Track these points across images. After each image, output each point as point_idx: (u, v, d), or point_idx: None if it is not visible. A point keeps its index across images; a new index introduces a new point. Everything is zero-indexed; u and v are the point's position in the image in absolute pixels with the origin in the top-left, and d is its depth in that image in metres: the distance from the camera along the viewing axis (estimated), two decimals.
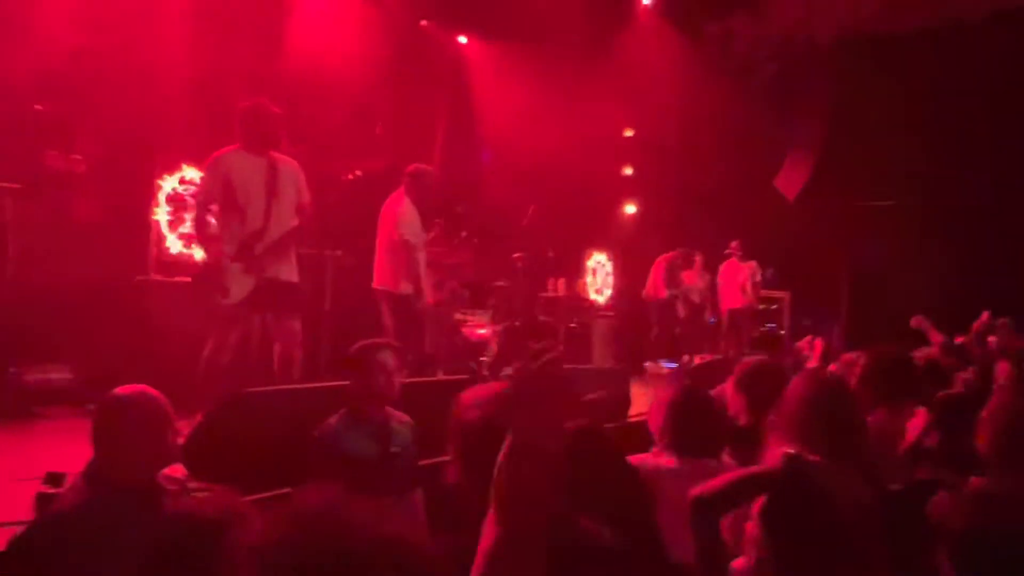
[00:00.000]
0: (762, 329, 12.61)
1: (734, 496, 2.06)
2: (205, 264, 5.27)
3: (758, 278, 11.80)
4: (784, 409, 2.57)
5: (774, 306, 12.73)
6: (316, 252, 7.08)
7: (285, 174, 5.18)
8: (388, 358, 3.68)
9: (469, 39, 11.97)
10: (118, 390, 2.51)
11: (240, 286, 4.98)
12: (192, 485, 2.88)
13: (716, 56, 11.51)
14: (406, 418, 3.78)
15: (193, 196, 6.41)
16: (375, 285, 6.54)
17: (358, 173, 7.85)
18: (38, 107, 6.70)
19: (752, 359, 3.97)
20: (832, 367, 4.38)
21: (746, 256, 11.74)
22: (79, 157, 6.82)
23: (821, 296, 12.79)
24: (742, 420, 3.43)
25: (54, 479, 3.18)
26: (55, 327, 5.95)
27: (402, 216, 6.39)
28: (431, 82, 11.23)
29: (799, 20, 11.36)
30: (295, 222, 5.21)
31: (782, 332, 12.70)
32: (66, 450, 3.17)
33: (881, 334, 5.88)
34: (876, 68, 11.27)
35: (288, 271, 5.22)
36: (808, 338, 10.24)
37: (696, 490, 2.08)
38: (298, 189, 5.25)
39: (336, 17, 9.59)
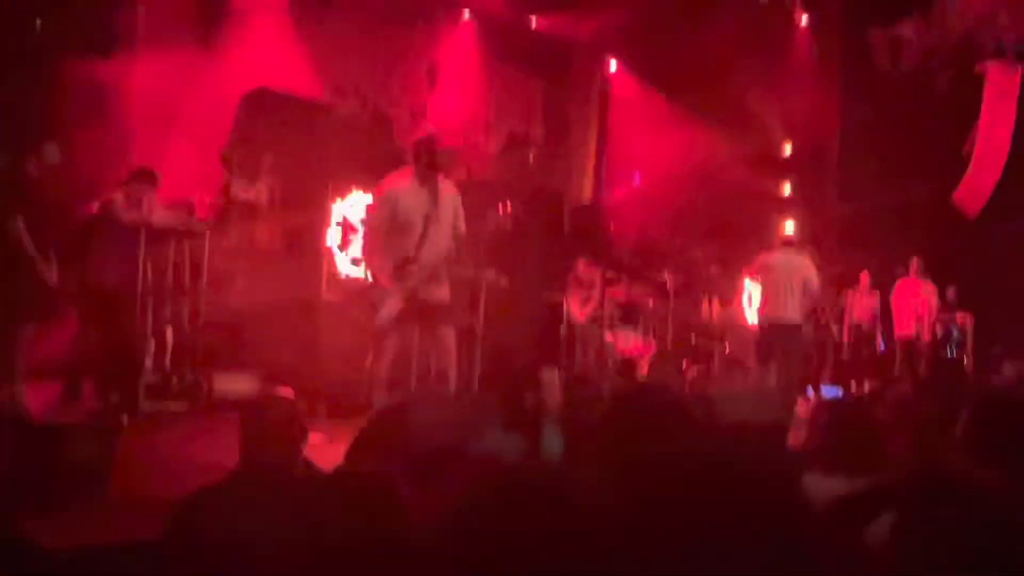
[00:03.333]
0: (941, 358, 12.54)
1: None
2: (369, 284, 6.43)
3: (935, 301, 11.84)
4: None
5: (954, 331, 12.64)
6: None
7: (445, 200, 6.04)
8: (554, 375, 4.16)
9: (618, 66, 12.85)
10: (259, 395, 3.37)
11: (391, 305, 5.95)
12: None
13: (884, 66, 11.78)
14: None
15: (363, 221, 7.66)
16: None
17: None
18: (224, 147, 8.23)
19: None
20: None
21: (925, 274, 11.77)
22: (263, 187, 8.32)
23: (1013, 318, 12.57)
24: None
25: None
26: (243, 340, 7.37)
27: None
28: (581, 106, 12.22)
29: (980, 19, 11.46)
30: (450, 246, 6.14)
31: (965, 360, 12.60)
32: None
33: None
34: None
35: (440, 291, 6.15)
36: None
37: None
38: (456, 215, 6.15)
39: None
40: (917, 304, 11.77)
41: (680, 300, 10.63)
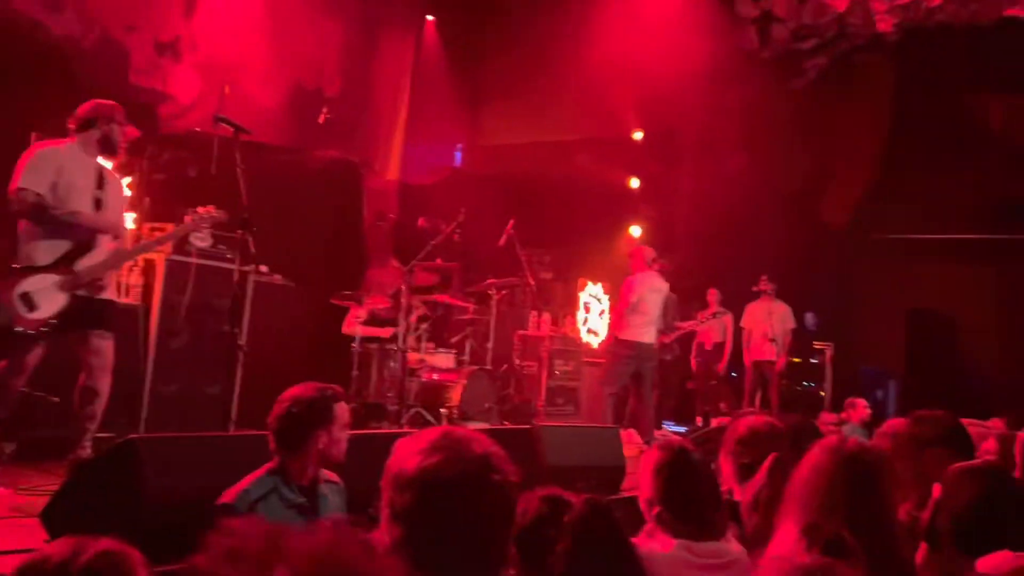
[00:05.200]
0: (797, 388, 11.64)
1: None
2: None
3: (791, 324, 10.92)
4: (796, 481, 2.62)
5: (813, 360, 11.78)
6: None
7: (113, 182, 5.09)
8: (346, 411, 3.54)
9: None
10: None
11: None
12: None
13: (753, 45, 10.67)
14: (335, 478, 3.60)
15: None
16: None
17: None
18: None
19: (749, 419, 3.75)
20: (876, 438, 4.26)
21: (779, 295, 10.83)
22: None
23: (874, 349, 11.88)
24: (735, 493, 3.39)
25: None
26: None
27: None
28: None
29: (857, 2, 10.50)
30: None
31: (822, 393, 11.74)
32: None
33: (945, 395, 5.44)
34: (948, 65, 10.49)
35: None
36: (849, 401, 9.57)
37: None
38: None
39: None
40: (771, 327, 10.70)
41: (504, 312, 9.41)
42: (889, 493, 2.63)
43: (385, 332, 8.26)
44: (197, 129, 7.99)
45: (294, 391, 3.47)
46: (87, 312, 4.75)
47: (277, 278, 7.72)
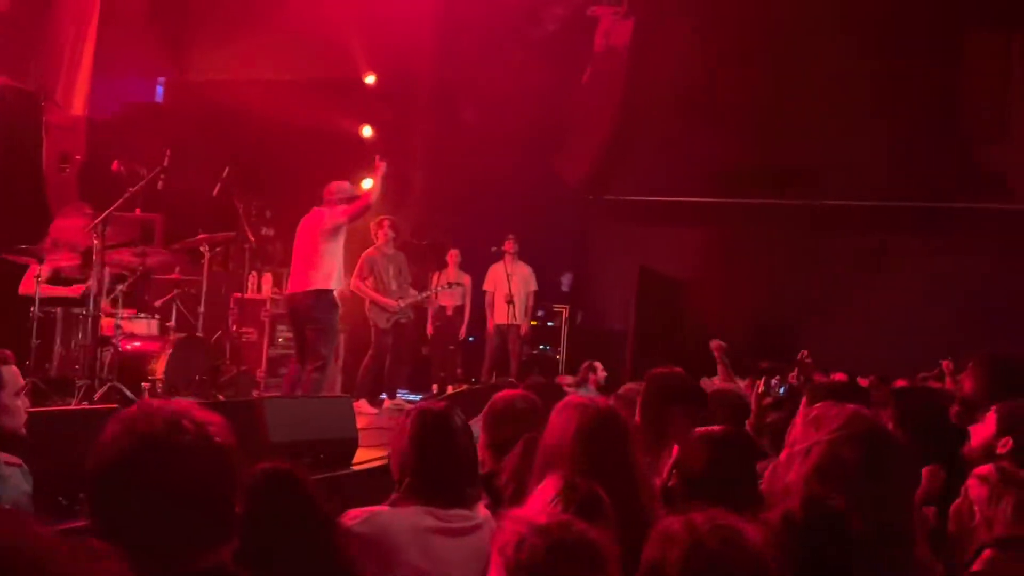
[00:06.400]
0: (534, 352, 11.65)
1: None
2: None
3: (534, 286, 10.86)
4: (546, 443, 2.78)
5: (551, 323, 11.83)
6: None
7: None
8: (17, 375, 3.38)
9: None
10: None
11: None
12: None
13: None
14: (16, 461, 3.36)
15: None
16: None
17: None
18: None
19: (506, 394, 3.88)
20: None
21: (522, 257, 10.73)
22: None
23: (608, 312, 12.14)
24: (486, 464, 3.49)
25: None
26: None
27: None
28: None
29: None
30: None
31: (558, 356, 11.84)
32: None
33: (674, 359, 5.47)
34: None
35: None
36: (586, 364, 9.68)
37: None
38: None
39: None
40: (511, 289, 10.60)
41: (218, 272, 8.80)
42: (634, 450, 2.79)
43: (74, 291, 7.25)
44: None
45: None
46: None
47: None
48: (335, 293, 7.76)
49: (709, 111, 11.79)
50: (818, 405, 2.60)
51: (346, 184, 8.10)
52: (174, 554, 1.66)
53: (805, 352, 6.52)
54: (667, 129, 11.76)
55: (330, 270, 7.65)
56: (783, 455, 2.59)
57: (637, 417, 3.71)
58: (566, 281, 11.58)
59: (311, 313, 7.63)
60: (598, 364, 9.63)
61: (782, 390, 5.25)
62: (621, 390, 4.71)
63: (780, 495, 2.43)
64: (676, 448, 3.11)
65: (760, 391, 4.36)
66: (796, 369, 6.25)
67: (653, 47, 11.34)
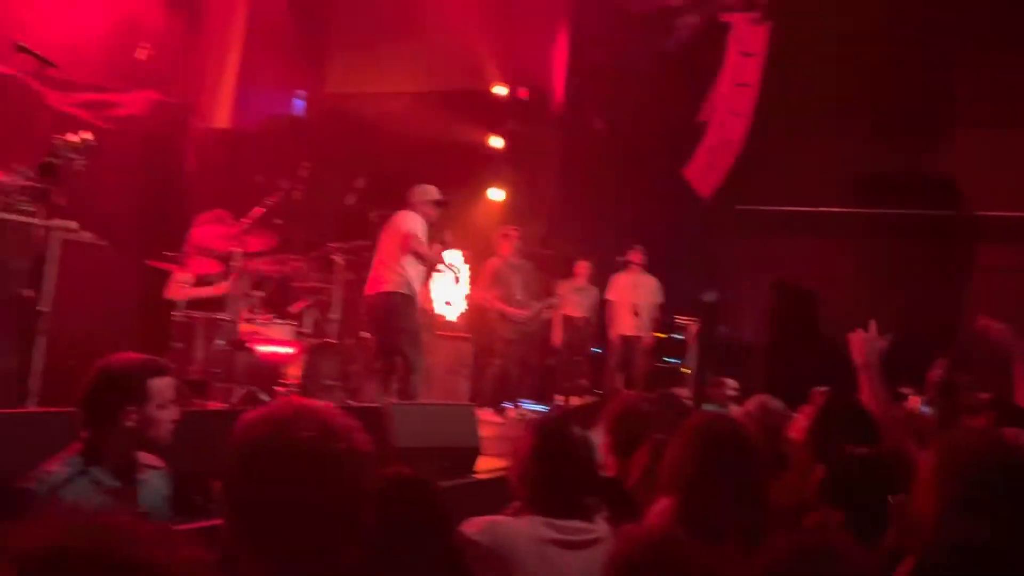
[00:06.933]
0: (659, 365, 11.53)
1: None
2: None
3: (660, 298, 10.81)
4: (668, 458, 2.74)
5: (678, 336, 11.69)
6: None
7: None
8: (167, 387, 3.35)
9: None
10: None
11: None
12: None
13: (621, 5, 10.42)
14: (158, 463, 3.44)
15: None
16: None
17: None
18: None
19: (628, 396, 4.00)
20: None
21: (646, 268, 10.68)
22: None
23: (739, 325, 11.94)
24: (610, 470, 3.54)
25: None
26: None
27: None
28: None
29: None
30: None
31: (686, 370, 11.67)
32: None
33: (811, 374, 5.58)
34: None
35: None
36: (715, 379, 9.51)
37: None
38: None
39: None
40: (636, 301, 10.53)
41: (351, 280, 8.69)
42: (756, 468, 2.73)
43: (218, 290, 7.57)
44: None
45: (107, 361, 3.28)
46: None
47: (87, 236, 6.87)
48: (410, 295, 7.75)
49: (847, 116, 11.47)
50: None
51: (430, 188, 8.12)
52: (306, 557, 1.67)
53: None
54: (803, 136, 11.49)
55: (405, 273, 7.65)
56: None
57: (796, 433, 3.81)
58: (711, 296, 11.42)
59: (386, 317, 7.66)
60: (727, 380, 9.47)
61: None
62: (749, 406, 4.55)
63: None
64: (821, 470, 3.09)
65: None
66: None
67: (789, 52, 11.09)
